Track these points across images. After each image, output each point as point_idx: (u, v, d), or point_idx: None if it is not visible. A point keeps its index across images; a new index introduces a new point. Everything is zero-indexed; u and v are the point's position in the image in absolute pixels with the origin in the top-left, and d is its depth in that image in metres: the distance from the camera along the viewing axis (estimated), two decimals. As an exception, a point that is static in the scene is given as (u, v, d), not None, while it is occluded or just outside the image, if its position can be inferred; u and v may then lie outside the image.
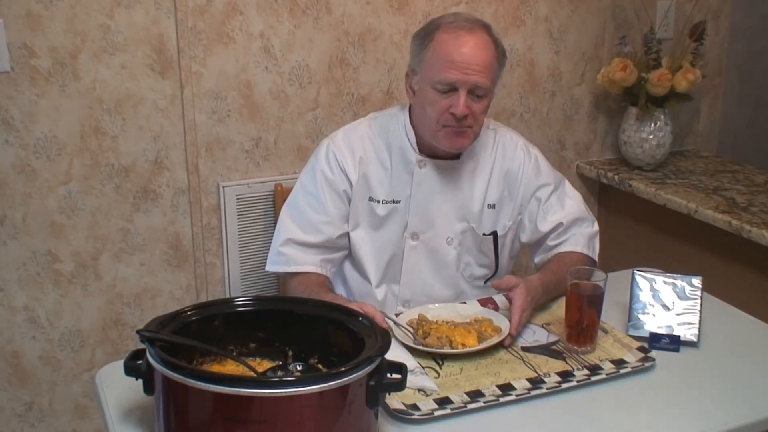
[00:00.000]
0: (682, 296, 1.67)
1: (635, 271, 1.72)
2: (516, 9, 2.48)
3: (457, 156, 1.85)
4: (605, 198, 2.79)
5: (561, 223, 1.87)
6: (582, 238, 1.89)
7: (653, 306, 1.67)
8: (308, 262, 1.83)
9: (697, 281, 1.68)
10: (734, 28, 2.87)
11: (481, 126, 1.80)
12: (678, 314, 1.65)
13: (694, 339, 1.62)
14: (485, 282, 1.93)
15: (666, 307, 1.67)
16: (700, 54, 2.60)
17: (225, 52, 2.16)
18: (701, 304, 1.66)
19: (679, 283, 1.69)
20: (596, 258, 1.90)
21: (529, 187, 1.89)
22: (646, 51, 2.55)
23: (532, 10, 2.50)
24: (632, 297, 1.69)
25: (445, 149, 1.80)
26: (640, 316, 1.67)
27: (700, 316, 1.65)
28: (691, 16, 2.62)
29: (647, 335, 1.64)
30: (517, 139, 1.94)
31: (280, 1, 2.19)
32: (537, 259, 1.93)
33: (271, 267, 1.87)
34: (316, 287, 1.77)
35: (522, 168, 1.89)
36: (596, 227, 1.94)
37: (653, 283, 1.70)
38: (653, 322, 1.65)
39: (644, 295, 1.69)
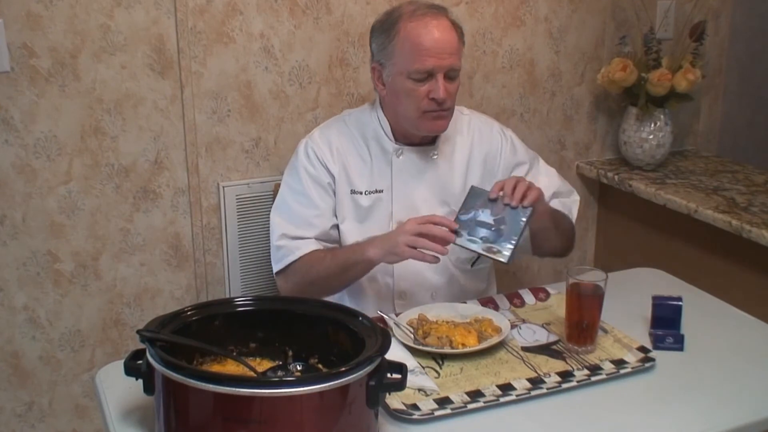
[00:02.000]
0: (510, 217, 1.66)
1: (473, 186, 1.73)
2: (516, 9, 2.48)
3: (432, 142, 1.88)
4: (605, 198, 2.79)
5: None
6: (558, 204, 1.93)
7: (480, 221, 1.67)
8: (307, 245, 1.85)
9: (527, 210, 1.66)
10: (734, 28, 2.87)
11: (454, 107, 1.84)
12: (500, 232, 1.65)
13: (504, 261, 1.62)
14: (471, 265, 1.94)
15: (489, 225, 1.66)
16: (700, 54, 2.60)
17: (225, 52, 2.16)
18: (524, 228, 1.65)
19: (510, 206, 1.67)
20: (573, 220, 1.95)
21: (507, 167, 1.94)
22: (646, 51, 2.55)
23: (532, 10, 2.50)
24: (462, 207, 1.69)
25: (426, 134, 1.84)
26: (466, 228, 1.65)
27: (519, 239, 1.64)
28: (691, 16, 2.62)
29: (474, 248, 1.64)
30: (492, 122, 1.99)
31: (280, 1, 2.19)
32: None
33: (277, 265, 1.88)
34: (327, 252, 1.82)
35: (500, 149, 1.94)
36: (575, 197, 2.00)
37: (485, 198, 1.68)
38: (474, 234, 1.65)
39: (474, 206, 1.68)
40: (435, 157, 1.88)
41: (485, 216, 1.67)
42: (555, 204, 1.92)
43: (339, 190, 1.88)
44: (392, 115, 1.86)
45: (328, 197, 1.87)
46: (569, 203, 1.97)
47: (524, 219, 1.66)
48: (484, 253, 1.64)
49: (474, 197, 1.70)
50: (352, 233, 1.87)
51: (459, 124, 1.93)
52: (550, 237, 1.87)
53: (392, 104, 1.83)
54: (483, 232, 1.65)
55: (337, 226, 1.89)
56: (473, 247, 1.64)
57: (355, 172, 1.88)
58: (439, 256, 1.62)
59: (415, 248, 1.63)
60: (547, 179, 1.95)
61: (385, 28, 1.79)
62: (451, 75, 1.76)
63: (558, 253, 1.98)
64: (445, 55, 1.74)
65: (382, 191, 1.88)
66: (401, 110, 1.81)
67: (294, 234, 1.85)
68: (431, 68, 1.73)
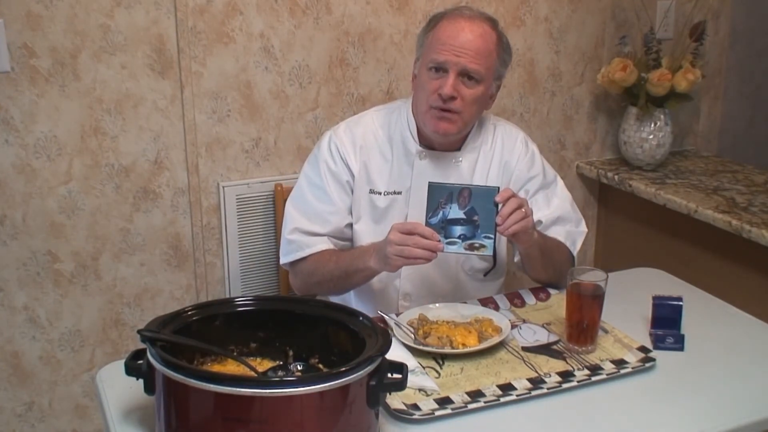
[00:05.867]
0: (479, 204, 1.63)
1: (430, 182, 1.66)
2: (516, 9, 2.48)
3: (457, 148, 1.86)
4: (605, 198, 2.79)
5: (540, 221, 1.85)
6: (562, 232, 1.88)
7: (452, 218, 1.63)
8: (318, 243, 1.84)
9: (492, 191, 1.63)
10: (734, 28, 2.87)
11: (473, 116, 1.81)
12: (475, 223, 1.63)
13: (489, 253, 1.62)
14: (485, 275, 1.93)
15: (462, 220, 1.63)
16: (700, 54, 2.60)
17: (225, 52, 2.16)
18: (497, 211, 1.62)
19: (475, 193, 1.64)
20: (575, 254, 1.88)
21: (520, 178, 1.90)
22: (646, 51, 2.55)
23: (532, 10, 2.50)
24: (428, 210, 1.64)
25: (431, 133, 1.81)
26: (441, 231, 1.62)
27: (496, 231, 1.62)
28: (691, 16, 2.62)
29: (456, 251, 1.63)
30: (517, 132, 1.95)
31: (280, 1, 2.19)
32: (517, 258, 1.88)
33: (285, 259, 1.88)
34: (333, 254, 1.81)
35: (518, 160, 1.91)
36: (582, 228, 1.93)
37: (447, 192, 1.64)
38: (451, 234, 1.62)
39: (439, 204, 1.64)
40: (458, 163, 1.86)
41: (455, 212, 1.64)
42: (558, 232, 1.87)
43: (357, 188, 1.87)
44: (415, 110, 1.85)
45: (345, 195, 1.87)
46: (575, 234, 1.90)
47: (493, 201, 1.62)
48: (467, 252, 1.63)
49: (435, 194, 1.64)
50: (366, 233, 1.86)
51: (486, 135, 1.90)
52: (535, 266, 1.83)
53: (415, 97, 1.84)
54: (458, 229, 1.63)
55: (351, 225, 1.88)
56: (454, 249, 1.63)
57: (375, 170, 1.87)
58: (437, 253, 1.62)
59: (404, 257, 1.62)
60: (558, 202, 1.91)
61: (429, 25, 1.81)
62: (469, 77, 1.74)
63: (543, 283, 1.87)
64: (463, 54, 1.72)
65: (400, 193, 1.86)
66: (416, 103, 1.82)
67: (307, 229, 1.85)
68: (443, 61, 1.73)
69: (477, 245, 1.63)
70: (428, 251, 1.60)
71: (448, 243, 1.63)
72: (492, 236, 1.62)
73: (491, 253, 1.63)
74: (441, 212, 1.64)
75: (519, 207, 1.63)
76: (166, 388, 1.21)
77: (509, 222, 1.61)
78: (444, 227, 1.63)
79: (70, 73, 2.03)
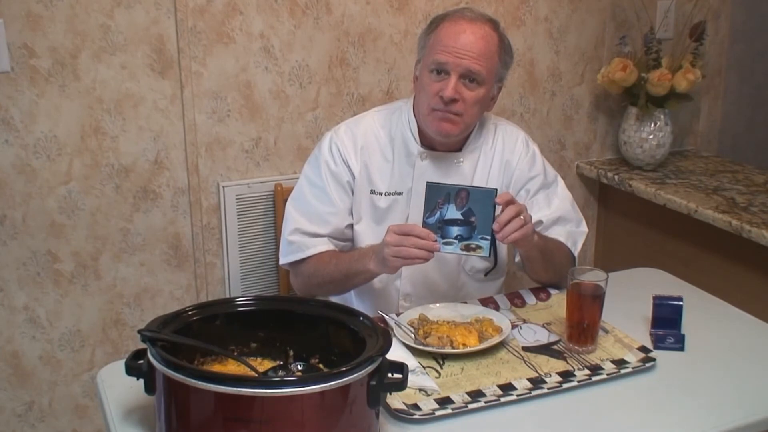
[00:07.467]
0: (476, 206, 1.62)
1: (427, 182, 1.65)
2: (516, 9, 2.48)
3: (458, 149, 1.86)
4: (605, 198, 2.79)
5: (540, 221, 1.84)
6: (563, 232, 1.87)
7: (449, 219, 1.62)
8: (318, 244, 1.84)
9: (490, 193, 1.62)
10: (734, 28, 2.87)
11: (475, 117, 1.81)
12: (472, 224, 1.62)
13: (486, 254, 1.62)
14: (486, 275, 1.93)
15: (459, 221, 1.62)
16: (700, 54, 2.60)
17: (225, 52, 2.16)
18: (494, 212, 1.61)
19: (472, 194, 1.63)
20: (575, 254, 1.88)
21: (521, 178, 1.90)
22: (646, 51, 2.55)
23: (532, 10, 2.50)
24: (426, 209, 1.63)
25: (433, 134, 1.81)
26: (437, 232, 1.61)
27: (493, 233, 1.61)
28: (691, 16, 2.62)
29: (453, 251, 1.62)
30: (518, 132, 1.95)
31: (280, 1, 2.19)
32: (518, 259, 1.88)
33: (284, 259, 1.88)
34: (333, 256, 1.81)
35: (519, 160, 1.90)
36: (583, 228, 1.92)
37: (444, 192, 1.63)
38: (447, 234, 1.62)
39: (436, 204, 1.63)
40: (459, 164, 1.86)
41: (452, 212, 1.63)
42: (558, 232, 1.86)
43: (358, 188, 1.87)
44: (416, 112, 1.85)
45: (345, 196, 1.87)
46: (576, 234, 1.89)
47: (491, 203, 1.61)
48: (463, 253, 1.63)
49: (433, 195, 1.63)
50: (367, 234, 1.86)
51: (487, 135, 1.90)
52: (536, 267, 1.83)
53: (416, 99, 1.84)
54: (455, 230, 1.63)
55: (351, 226, 1.88)
56: (450, 249, 1.63)
57: (376, 171, 1.87)
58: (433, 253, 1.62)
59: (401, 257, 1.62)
60: (558, 202, 1.90)
61: (430, 26, 1.81)
62: (470, 79, 1.74)
63: (543, 284, 1.87)
64: (464, 55, 1.72)
65: (401, 194, 1.86)
66: (418, 105, 1.82)
67: (307, 230, 1.85)
68: (444, 62, 1.73)
69: (473, 246, 1.62)
70: (425, 251, 1.60)
71: (445, 243, 1.63)
72: (489, 237, 1.62)
73: (488, 255, 1.63)
74: (438, 212, 1.63)
75: (517, 214, 1.62)
76: (166, 388, 1.21)
77: (508, 230, 1.61)
78: (441, 227, 1.63)
79: (70, 73, 2.03)
